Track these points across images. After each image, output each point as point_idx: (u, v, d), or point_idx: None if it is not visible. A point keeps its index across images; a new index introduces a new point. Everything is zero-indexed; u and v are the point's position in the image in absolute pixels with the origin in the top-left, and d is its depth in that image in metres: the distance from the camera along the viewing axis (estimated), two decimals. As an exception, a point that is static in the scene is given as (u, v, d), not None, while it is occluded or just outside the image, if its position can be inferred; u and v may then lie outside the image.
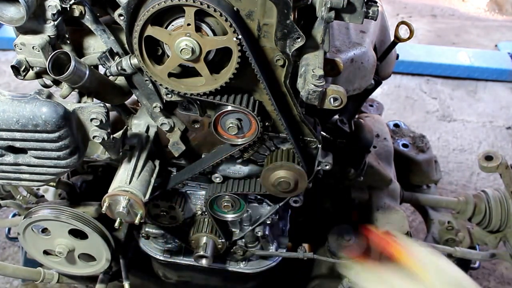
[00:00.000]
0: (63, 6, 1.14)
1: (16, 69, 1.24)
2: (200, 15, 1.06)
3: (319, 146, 1.37)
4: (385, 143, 2.25)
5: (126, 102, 1.51)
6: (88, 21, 1.19)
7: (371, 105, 2.62)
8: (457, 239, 2.23)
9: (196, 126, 1.39)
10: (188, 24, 1.05)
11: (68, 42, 1.26)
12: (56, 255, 1.62)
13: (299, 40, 1.09)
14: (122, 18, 1.08)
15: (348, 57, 1.46)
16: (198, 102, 1.31)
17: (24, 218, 1.54)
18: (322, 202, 2.14)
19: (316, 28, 1.15)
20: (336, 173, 1.94)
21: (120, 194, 1.30)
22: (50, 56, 1.14)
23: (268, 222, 1.66)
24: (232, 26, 1.03)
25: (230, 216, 1.59)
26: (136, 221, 1.33)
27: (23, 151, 1.20)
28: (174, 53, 1.09)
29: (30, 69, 1.27)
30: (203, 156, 1.46)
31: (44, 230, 1.59)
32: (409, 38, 1.66)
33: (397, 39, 1.70)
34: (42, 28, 1.18)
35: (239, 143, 1.31)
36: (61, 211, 1.52)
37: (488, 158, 1.97)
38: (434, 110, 4.59)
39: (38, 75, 1.31)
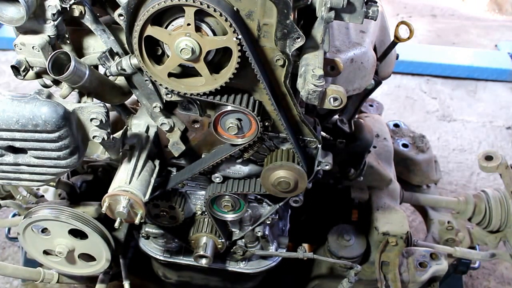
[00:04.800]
0: (63, 6, 1.14)
1: (16, 69, 1.24)
2: (200, 15, 1.06)
3: (319, 146, 1.37)
4: (385, 143, 2.25)
5: (126, 102, 1.51)
6: (88, 21, 1.19)
7: (371, 105, 2.62)
8: (457, 239, 2.23)
9: (196, 126, 1.39)
10: (188, 24, 1.05)
11: (68, 42, 1.27)
12: (56, 255, 1.62)
13: (299, 40, 1.09)
14: (122, 18, 1.08)
15: (348, 57, 1.46)
16: (198, 102, 1.31)
17: (24, 218, 1.54)
18: (321, 203, 2.14)
19: (316, 28, 1.15)
20: (336, 173, 1.94)
21: (120, 194, 1.30)
22: (50, 56, 1.14)
23: (268, 222, 1.66)
24: (232, 26, 1.03)
25: (230, 216, 1.59)
26: (136, 221, 1.33)
27: (23, 151, 1.20)
28: (174, 53, 1.09)
29: (30, 69, 1.27)
30: (203, 156, 1.46)
31: (44, 230, 1.59)
32: (409, 38, 1.66)
33: (397, 39, 1.71)
34: (42, 28, 1.18)
35: (239, 143, 1.31)
36: (61, 211, 1.52)
37: (488, 158, 1.97)
38: (434, 110, 4.59)
39: (38, 75, 1.31)
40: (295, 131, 1.33)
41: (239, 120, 1.26)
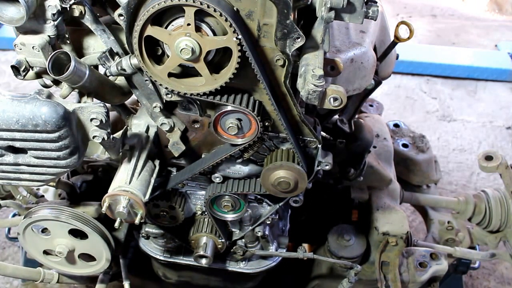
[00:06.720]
0: (63, 6, 1.14)
1: (16, 69, 1.24)
2: (200, 15, 1.06)
3: (319, 146, 1.37)
4: (385, 143, 2.25)
5: (126, 102, 1.51)
6: (88, 21, 1.19)
7: (371, 105, 2.62)
8: (457, 239, 2.23)
9: (196, 126, 1.39)
10: (188, 24, 1.05)
11: (68, 42, 1.27)
12: (56, 255, 1.62)
13: (299, 40, 1.09)
14: (122, 18, 1.08)
15: (348, 57, 1.46)
16: (198, 102, 1.31)
17: (24, 218, 1.54)
18: (322, 202, 2.14)
19: (316, 28, 1.15)
20: (336, 173, 1.94)
21: (120, 194, 1.30)
22: (50, 56, 1.14)
23: (268, 222, 1.66)
24: (232, 26, 1.03)
25: (230, 216, 1.59)
26: (136, 221, 1.33)
27: (23, 151, 1.20)
28: (174, 53, 1.09)
29: (30, 69, 1.27)
30: (203, 156, 1.46)
31: (44, 230, 1.59)
32: (409, 38, 1.66)
33: (397, 39, 1.71)
34: (42, 28, 1.18)
35: (239, 143, 1.31)
36: (61, 211, 1.52)
37: (488, 158, 1.97)
38: (434, 110, 4.59)
39: (38, 75, 1.31)
40: (295, 131, 1.33)
41: (239, 120, 1.26)
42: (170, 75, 1.16)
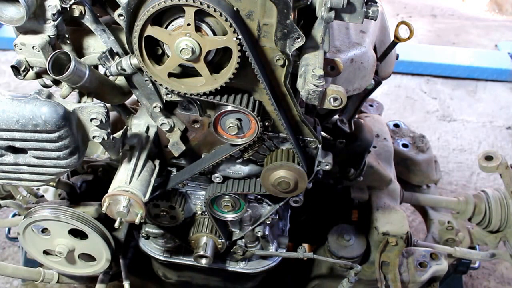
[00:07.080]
0: (63, 6, 1.14)
1: (16, 69, 1.24)
2: (200, 15, 1.06)
3: (319, 146, 1.37)
4: (385, 143, 2.25)
5: (126, 102, 1.51)
6: (88, 21, 1.19)
7: (371, 105, 2.62)
8: (457, 239, 2.23)
9: (196, 126, 1.39)
10: (188, 24, 1.05)
11: (68, 42, 1.27)
12: (56, 255, 1.62)
13: (299, 40, 1.09)
14: (122, 18, 1.08)
15: (348, 57, 1.46)
16: (198, 102, 1.31)
17: (24, 218, 1.54)
18: (322, 202, 2.14)
19: (316, 28, 1.15)
20: (336, 173, 1.94)
21: (120, 194, 1.30)
22: (50, 56, 1.14)
23: (268, 222, 1.66)
24: (232, 26, 1.03)
25: (230, 216, 1.59)
26: (136, 221, 1.33)
27: (23, 151, 1.20)
28: (174, 53, 1.09)
29: (30, 69, 1.27)
30: (203, 156, 1.46)
31: (44, 230, 1.59)
32: (409, 38, 1.66)
33: (397, 39, 1.71)
34: (42, 28, 1.18)
35: (239, 143, 1.31)
36: (61, 211, 1.52)
37: (488, 158, 1.97)
38: (434, 110, 4.59)
39: (38, 75, 1.31)
40: (295, 131, 1.33)
41: (239, 120, 1.26)
42: (170, 75, 1.16)
